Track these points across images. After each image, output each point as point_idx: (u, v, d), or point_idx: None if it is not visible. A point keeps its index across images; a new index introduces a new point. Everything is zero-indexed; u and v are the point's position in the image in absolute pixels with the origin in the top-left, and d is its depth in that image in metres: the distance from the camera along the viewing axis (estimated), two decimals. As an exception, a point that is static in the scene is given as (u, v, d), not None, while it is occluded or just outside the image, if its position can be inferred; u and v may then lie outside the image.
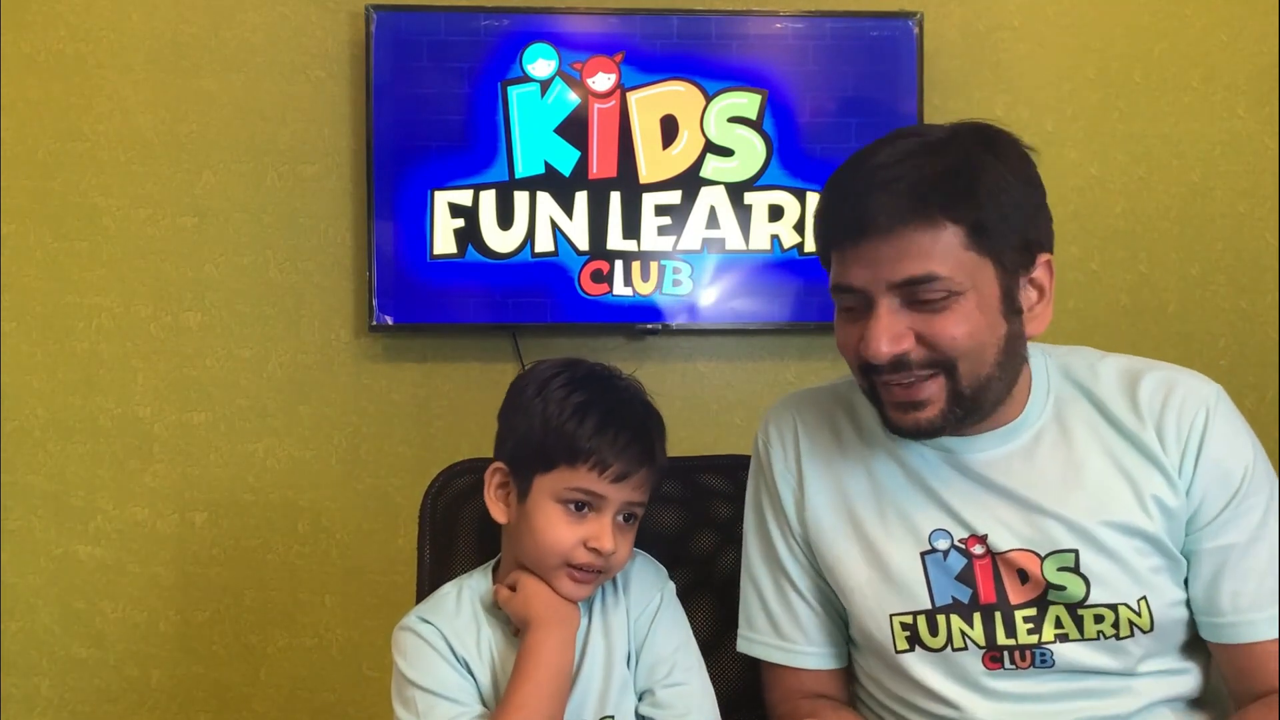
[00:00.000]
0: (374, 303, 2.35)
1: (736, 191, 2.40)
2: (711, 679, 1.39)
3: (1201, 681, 1.29)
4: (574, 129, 2.37)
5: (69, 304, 2.40)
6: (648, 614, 1.35)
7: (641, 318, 2.40)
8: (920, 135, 1.23)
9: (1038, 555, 1.25)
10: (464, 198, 2.36)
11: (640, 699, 1.33)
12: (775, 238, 2.41)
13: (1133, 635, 1.24)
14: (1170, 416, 1.26)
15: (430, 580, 1.49)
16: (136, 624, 2.41)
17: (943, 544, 1.27)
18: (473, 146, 2.36)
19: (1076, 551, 1.24)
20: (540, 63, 2.37)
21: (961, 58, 2.51)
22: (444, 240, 2.36)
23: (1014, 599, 1.25)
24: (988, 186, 1.18)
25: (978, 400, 1.22)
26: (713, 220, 2.40)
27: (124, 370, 2.41)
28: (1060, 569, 1.24)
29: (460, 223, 2.36)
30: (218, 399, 2.42)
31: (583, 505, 1.28)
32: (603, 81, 2.38)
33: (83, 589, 2.41)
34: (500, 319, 2.39)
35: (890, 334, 1.19)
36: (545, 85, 2.37)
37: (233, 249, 2.42)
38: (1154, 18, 2.55)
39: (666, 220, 2.39)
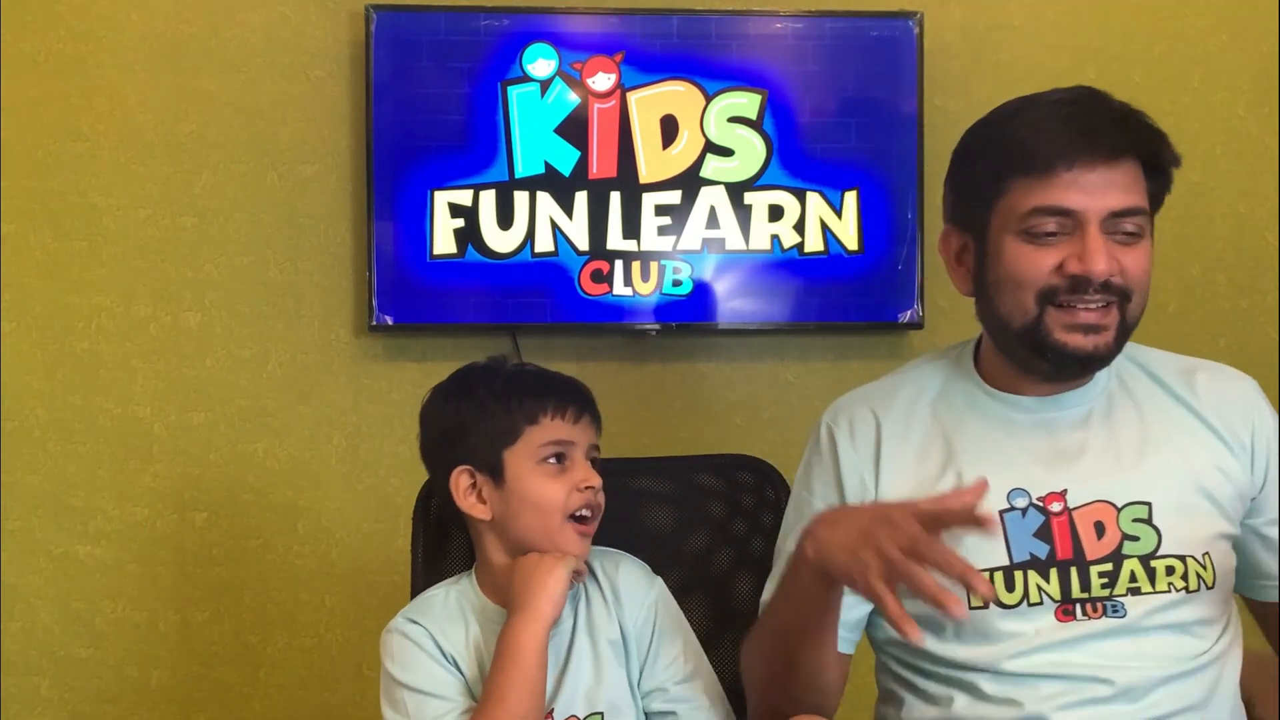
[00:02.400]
0: (374, 303, 2.35)
1: (736, 191, 2.40)
2: None
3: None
4: (574, 129, 2.37)
5: (69, 304, 2.40)
6: (647, 619, 1.37)
7: (641, 318, 2.40)
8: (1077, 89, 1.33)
9: (1114, 507, 1.31)
10: (464, 198, 2.36)
11: (649, 694, 1.35)
12: (775, 238, 2.41)
13: (1199, 590, 1.30)
14: (1233, 402, 1.37)
15: (424, 581, 1.50)
16: (136, 624, 2.41)
17: (1021, 502, 1.32)
18: (473, 146, 2.36)
19: (1150, 504, 1.31)
20: (540, 63, 2.37)
21: (961, 58, 2.51)
22: (444, 240, 2.36)
23: (1090, 554, 1.30)
24: (1165, 140, 1.32)
25: (1128, 337, 1.32)
26: (713, 220, 2.40)
27: (124, 370, 2.41)
28: (1135, 520, 1.31)
29: (460, 223, 2.36)
30: (218, 399, 2.42)
31: (560, 457, 1.33)
32: (603, 81, 2.38)
33: (83, 589, 2.40)
34: (500, 319, 2.39)
35: (1105, 254, 1.26)
36: (545, 85, 2.37)
37: (233, 249, 2.42)
38: (1154, 18, 2.55)
39: (666, 220, 2.39)
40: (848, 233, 2.42)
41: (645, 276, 2.39)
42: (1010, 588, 1.30)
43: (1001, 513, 1.32)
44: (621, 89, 2.38)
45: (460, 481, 1.36)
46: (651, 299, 2.40)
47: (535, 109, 2.37)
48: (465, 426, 1.37)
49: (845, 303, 2.42)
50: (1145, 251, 1.30)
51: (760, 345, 2.50)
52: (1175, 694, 1.29)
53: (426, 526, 1.53)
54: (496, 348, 2.41)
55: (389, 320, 2.36)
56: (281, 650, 2.43)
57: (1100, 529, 1.30)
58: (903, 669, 1.39)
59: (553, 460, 1.34)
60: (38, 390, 2.39)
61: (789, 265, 2.41)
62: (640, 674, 1.36)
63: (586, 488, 1.33)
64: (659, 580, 1.41)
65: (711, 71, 2.39)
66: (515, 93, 2.37)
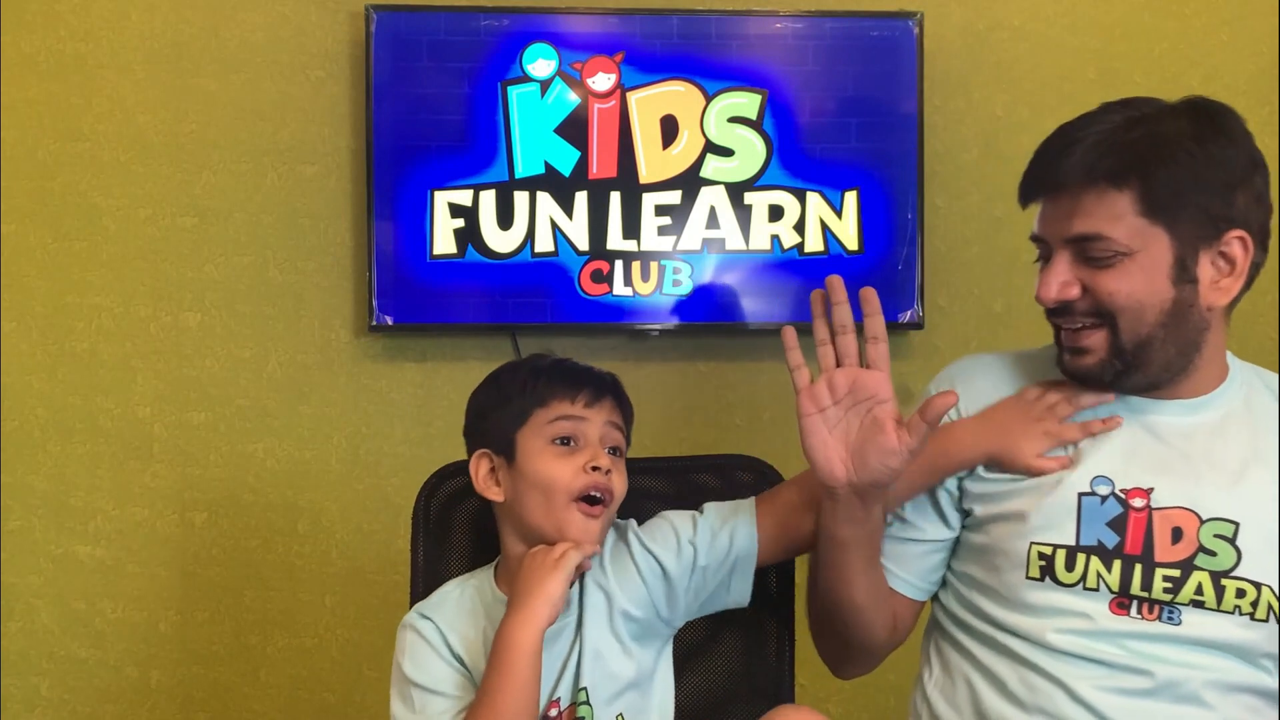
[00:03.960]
0: (374, 303, 2.35)
1: (736, 191, 2.40)
2: (704, 678, 1.43)
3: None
4: (574, 129, 2.37)
5: (69, 304, 2.40)
6: (646, 561, 1.38)
7: (641, 318, 2.40)
8: (1135, 108, 1.35)
9: (1198, 517, 1.30)
10: (464, 198, 2.36)
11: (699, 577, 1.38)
12: (775, 238, 2.41)
13: (1267, 620, 1.28)
14: None
15: (424, 581, 1.50)
16: (136, 624, 2.41)
17: (1103, 489, 1.33)
18: (472, 146, 2.36)
19: (1238, 524, 1.30)
20: (540, 63, 2.37)
21: (961, 58, 2.51)
22: (444, 240, 2.36)
23: (1160, 556, 1.30)
24: (1169, 160, 1.29)
25: (1139, 358, 1.32)
26: (713, 220, 2.40)
27: (124, 370, 2.41)
28: (1216, 536, 1.30)
29: (460, 223, 2.36)
30: (218, 399, 2.42)
31: (569, 439, 1.34)
32: (603, 81, 2.38)
33: (83, 589, 2.40)
34: (500, 319, 2.39)
35: (1058, 281, 1.32)
36: (545, 85, 2.37)
37: (233, 249, 2.42)
38: (1154, 18, 2.55)
39: (666, 220, 2.39)
40: (848, 233, 2.42)
41: (645, 276, 2.39)
42: (1070, 568, 1.31)
43: (1080, 495, 1.33)
44: (621, 89, 2.38)
45: (480, 465, 1.39)
46: (652, 299, 2.40)
47: (535, 109, 2.37)
48: (485, 412, 1.40)
49: (845, 303, 2.41)
50: (1124, 274, 1.30)
51: (760, 345, 2.50)
52: (1237, 708, 1.29)
53: (427, 526, 1.53)
54: (497, 348, 2.43)
55: (389, 320, 2.37)
56: (281, 650, 2.44)
57: (1178, 534, 1.30)
58: (959, 631, 1.41)
59: (560, 442, 1.34)
60: (38, 390, 2.39)
61: (789, 265, 2.41)
62: (690, 591, 1.38)
63: (593, 468, 1.32)
64: (627, 524, 1.42)
65: (711, 71, 2.39)
66: (515, 93, 2.37)
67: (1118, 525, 1.31)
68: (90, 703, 2.41)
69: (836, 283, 1.29)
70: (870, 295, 1.29)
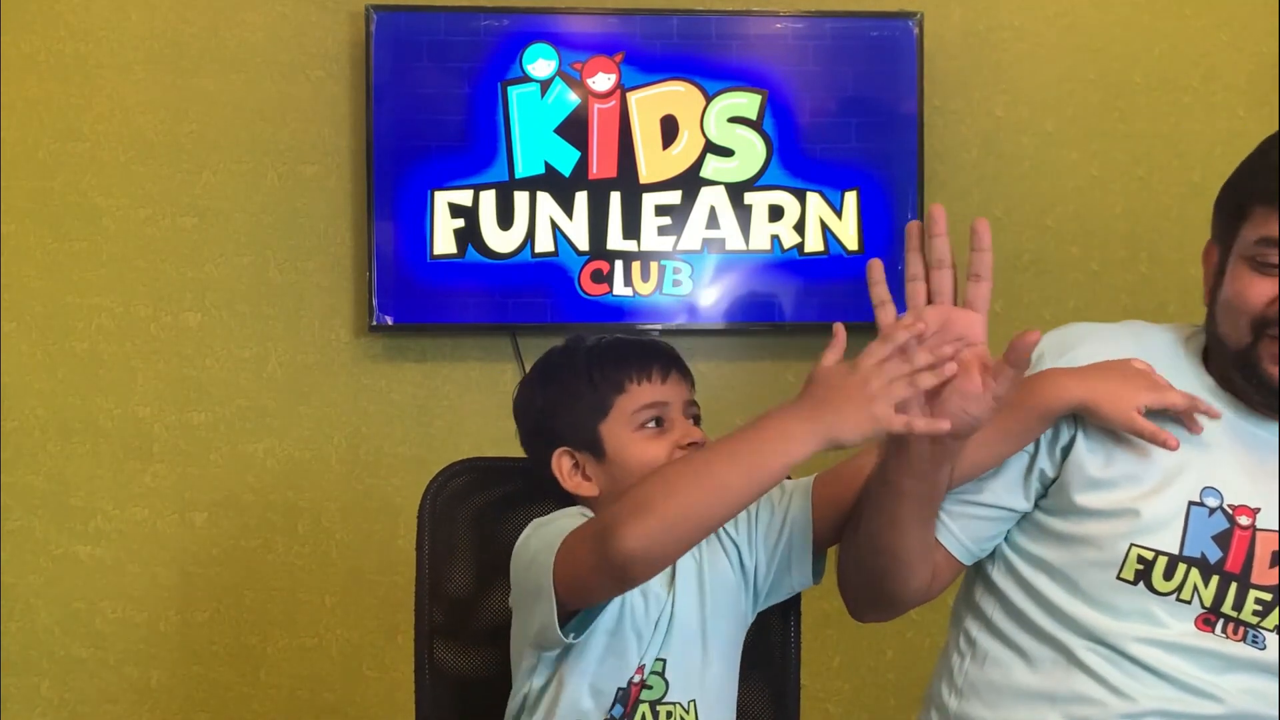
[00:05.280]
0: (374, 303, 2.35)
1: (736, 191, 2.40)
2: None
3: None
4: (574, 129, 2.37)
5: (69, 304, 2.40)
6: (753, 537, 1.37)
7: (641, 318, 2.40)
8: None
9: None
10: (464, 198, 2.36)
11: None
12: (775, 238, 2.41)
13: None
14: None
15: (430, 579, 1.50)
16: (136, 624, 2.41)
17: (1212, 501, 1.29)
18: (472, 146, 2.36)
19: None
20: (540, 63, 2.37)
21: (961, 58, 2.51)
22: (444, 240, 2.36)
23: (1256, 577, 1.27)
24: None
25: None
26: (713, 220, 2.40)
27: (124, 370, 2.41)
28: None
29: (460, 223, 2.36)
30: (218, 399, 2.42)
31: (657, 420, 1.32)
32: (603, 81, 2.38)
33: (83, 589, 2.40)
34: (500, 319, 2.39)
35: None
36: (545, 85, 2.37)
37: (233, 249, 2.42)
38: (1154, 18, 2.55)
39: (666, 220, 2.39)
40: (848, 233, 2.42)
41: (645, 277, 2.39)
42: (1169, 576, 1.27)
43: (1190, 504, 1.29)
44: (621, 89, 2.38)
45: (563, 464, 1.34)
46: (652, 299, 2.40)
47: (535, 109, 2.37)
48: (555, 409, 1.35)
49: (845, 303, 2.41)
50: None
51: (760, 345, 2.50)
52: None
53: (433, 525, 1.53)
54: (497, 348, 2.43)
55: (389, 320, 2.37)
56: (281, 650, 2.43)
57: (1276, 559, 1.27)
58: (1008, 619, 1.36)
59: (651, 424, 1.32)
60: (38, 390, 2.39)
61: (789, 265, 2.41)
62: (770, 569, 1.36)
63: (689, 444, 1.30)
64: None
65: (711, 71, 2.40)
66: (515, 93, 2.37)
67: (1222, 540, 1.27)
68: (90, 703, 2.41)
69: (939, 213, 1.21)
70: (983, 229, 1.19)
